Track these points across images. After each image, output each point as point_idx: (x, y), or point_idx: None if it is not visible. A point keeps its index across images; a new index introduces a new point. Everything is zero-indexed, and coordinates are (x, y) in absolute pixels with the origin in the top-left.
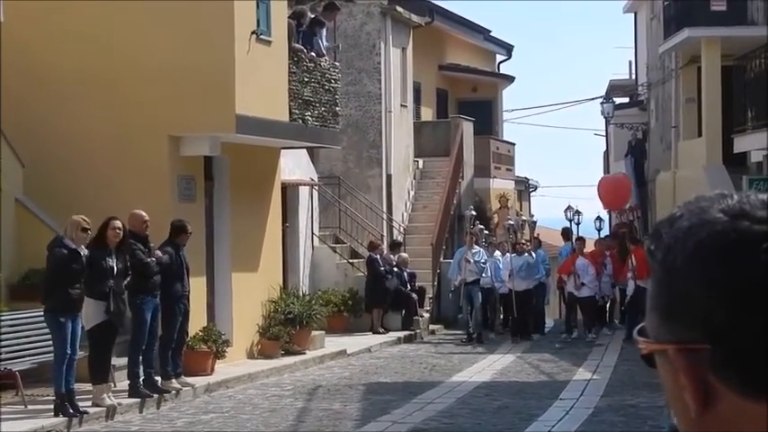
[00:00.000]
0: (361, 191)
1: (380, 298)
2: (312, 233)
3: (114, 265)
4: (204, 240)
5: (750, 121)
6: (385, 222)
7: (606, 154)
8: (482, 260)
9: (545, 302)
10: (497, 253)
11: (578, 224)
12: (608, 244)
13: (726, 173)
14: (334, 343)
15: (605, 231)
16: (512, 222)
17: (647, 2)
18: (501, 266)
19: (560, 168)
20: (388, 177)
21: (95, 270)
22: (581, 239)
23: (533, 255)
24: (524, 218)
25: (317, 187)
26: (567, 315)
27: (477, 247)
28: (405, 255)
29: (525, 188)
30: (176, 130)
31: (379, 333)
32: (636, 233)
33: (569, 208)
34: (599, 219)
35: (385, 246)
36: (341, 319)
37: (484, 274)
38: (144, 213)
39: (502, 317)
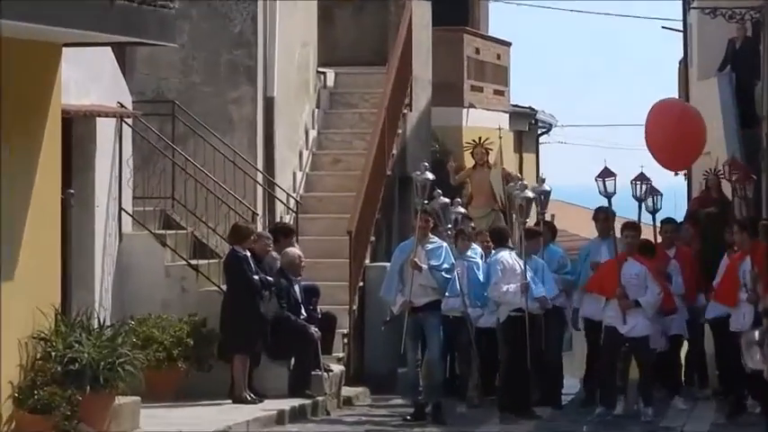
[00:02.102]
0: (216, 129)
1: (249, 334)
2: (120, 208)
3: None
4: None
5: None
6: (261, 190)
7: (684, 64)
8: (446, 263)
9: (563, 345)
10: (474, 249)
11: (653, 208)
12: (672, 236)
13: None
14: (158, 421)
15: (671, 211)
16: (528, 191)
17: None
18: (481, 274)
19: (594, 93)
20: (268, 104)
21: None
22: (632, 227)
23: (540, 254)
24: (525, 185)
25: (130, 120)
26: (603, 371)
27: (435, 238)
28: (296, 251)
29: (529, 128)
30: None
31: (246, 402)
32: (742, 213)
33: (641, 178)
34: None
35: (262, 233)
36: (173, 373)
37: (448, 293)
38: None
39: (481, 372)
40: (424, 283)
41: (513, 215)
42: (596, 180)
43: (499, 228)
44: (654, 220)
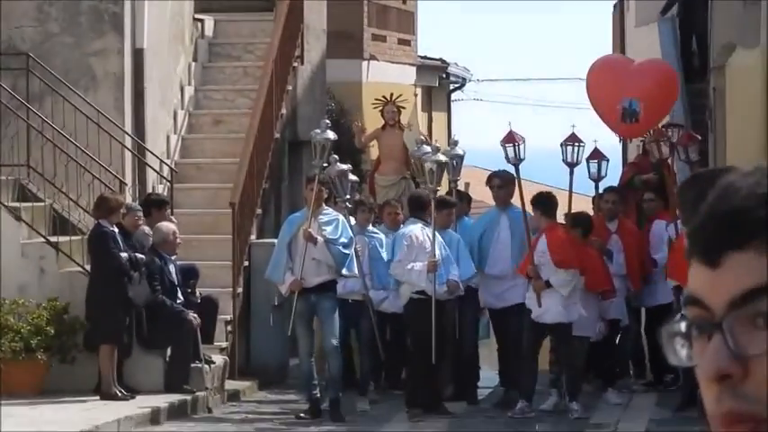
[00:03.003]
0: (77, 86)
1: (117, 322)
2: None
3: None
4: None
5: None
6: (130, 156)
7: (620, 9)
8: (343, 237)
9: (479, 333)
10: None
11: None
12: (616, 208)
13: None
14: (15, 420)
15: (609, 180)
16: (440, 154)
17: None
18: (385, 252)
19: (515, 42)
20: (138, 56)
21: None
22: (546, 199)
23: (453, 227)
24: (437, 148)
25: None
26: (524, 359)
27: (329, 209)
28: (170, 226)
29: (439, 83)
30: None
31: (116, 398)
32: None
33: (572, 138)
34: (597, 157)
35: (132, 205)
36: (32, 366)
37: (346, 270)
38: None
39: (384, 363)
40: (318, 258)
41: (422, 183)
42: (502, 145)
43: (419, 194)
44: (597, 188)
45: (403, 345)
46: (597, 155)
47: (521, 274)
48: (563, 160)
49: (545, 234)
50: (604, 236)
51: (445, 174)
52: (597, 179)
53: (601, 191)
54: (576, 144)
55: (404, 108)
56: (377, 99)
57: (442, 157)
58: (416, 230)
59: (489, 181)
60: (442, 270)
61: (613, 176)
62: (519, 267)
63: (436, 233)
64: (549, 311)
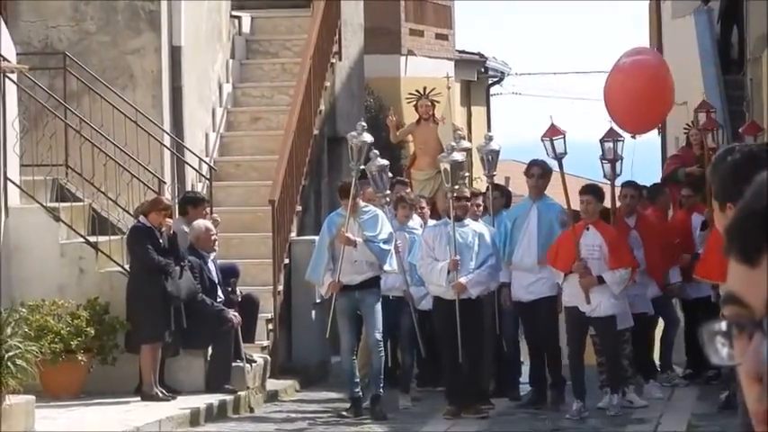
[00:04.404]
0: (115, 84)
1: (159, 320)
2: (5, 178)
3: None
4: None
5: None
6: (168, 155)
7: (656, 0)
8: (383, 233)
9: (519, 330)
10: (414, 219)
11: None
12: (633, 203)
13: None
14: (55, 422)
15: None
16: (457, 152)
17: None
18: (419, 249)
19: (554, 36)
20: (175, 54)
21: None
22: (591, 191)
23: (488, 222)
24: (466, 144)
25: (14, 76)
26: (571, 359)
27: (369, 206)
28: (203, 222)
29: (478, 77)
30: None
31: (157, 399)
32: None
33: (611, 134)
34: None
35: (169, 204)
36: (72, 367)
37: (387, 266)
38: None
39: (426, 360)
40: (359, 259)
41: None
42: (542, 140)
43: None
44: (612, 185)
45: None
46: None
47: (550, 266)
48: (600, 158)
49: (596, 229)
50: (624, 232)
51: (481, 164)
52: (613, 178)
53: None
54: (615, 139)
55: (438, 102)
56: (410, 93)
57: (458, 156)
58: (431, 229)
59: (528, 170)
60: (461, 267)
61: (643, 170)
62: (546, 259)
63: (448, 224)
64: (600, 306)
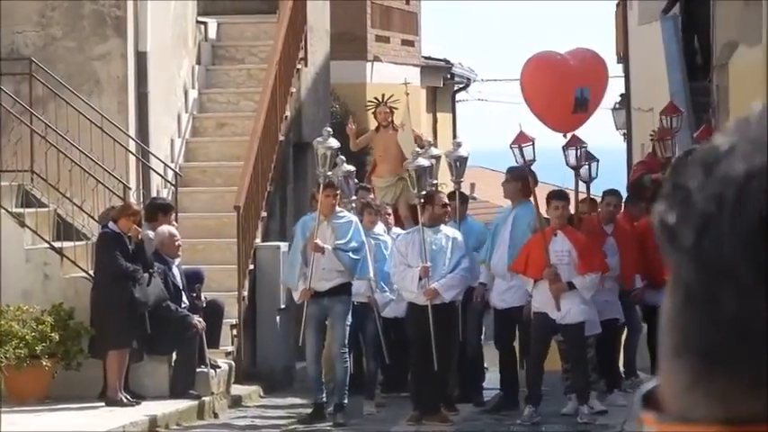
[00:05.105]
0: (81, 90)
1: (127, 326)
2: None
3: None
4: None
5: None
6: (134, 161)
7: (623, 7)
8: (354, 241)
9: (482, 334)
10: (379, 226)
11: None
12: (615, 211)
13: None
14: (20, 428)
15: (603, 180)
16: (422, 158)
17: None
18: (387, 254)
19: (519, 42)
20: (141, 60)
21: None
22: (560, 197)
23: (455, 227)
24: (434, 150)
25: None
26: (531, 364)
27: (344, 212)
28: (166, 228)
29: (444, 83)
30: None
31: (122, 404)
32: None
33: (574, 142)
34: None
35: (138, 210)
36: (36, 372)
37: (357, 275)
38: None
39: (386, 365)
40: (326, 267)
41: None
42: (511, 147)
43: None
44: (588, 189)
45: (406, 348)
46: (588, 156)
47: (515, 271)
48: (566, 164)
49: (565, 235)
50: (602, 238)
51: (450, 170)
52: (589, 180)
53: (593, 192)
54: (579, 147)
55: (396, 108)
56: (369, 101)
57: (425, 162)
58: (403, 235)
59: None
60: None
61: (607, 177)
62: (513, 265)
63: (416, 229)
64: (570, 312)
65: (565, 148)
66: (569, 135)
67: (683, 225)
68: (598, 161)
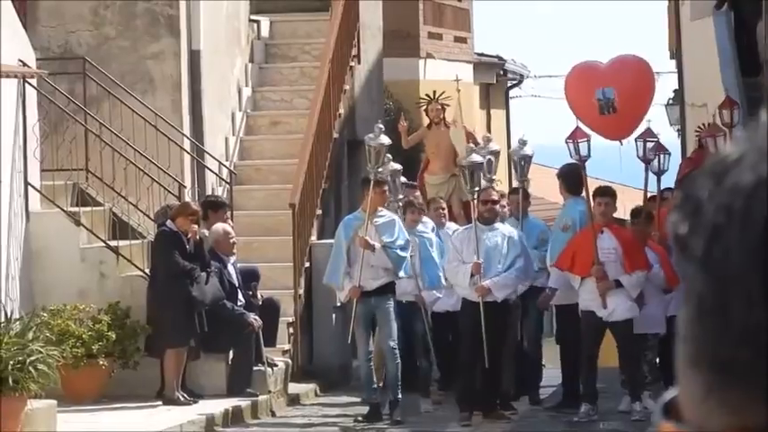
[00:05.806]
0: (134, 89)
1: (185, 325)
2: (26, 183)
3: None
4: None
5: None
6: (188, 159)
7: (675, 2)
8: (400, 239)
9: (542, 332)
10: (425, 223)
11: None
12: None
13: None
14: (77, 426)
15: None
16: (476, 154)
17: None
18: (435, 251)
19: (572, 38)
20: (194, 58)
21: None
22: (606, 193)
23: (515, 225)
24: (493, 145)
25: (34, 81)
26: (584, 363)
27: (385, 211)
28: (221, 226)
29: (497, 80)
30: None
31: (179, 403)
32: None
33: (646, 134)
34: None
35: (197, 209)
36: (93, 371)
37: (402, 273)
38: None
39: (441, 364)
40: (375, 264)
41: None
42: (566, 142)
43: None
44: (659, 183)
45: (456, 344)
46: (660, 148)
47: (560, 268)
48: (637, 156)
49: (611, 232)
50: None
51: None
52: (659, 173)
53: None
54: (650, 139)
55: (448, 105)
56: (420, 98)
57: (477, 158)
58: (461, 231)
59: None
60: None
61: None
62: (558, 261)
63: (471, 227)
64: (618, 309)
65: (636, 140)
66: (624, 142)
67: (693, 235)
68: (670, 154)
